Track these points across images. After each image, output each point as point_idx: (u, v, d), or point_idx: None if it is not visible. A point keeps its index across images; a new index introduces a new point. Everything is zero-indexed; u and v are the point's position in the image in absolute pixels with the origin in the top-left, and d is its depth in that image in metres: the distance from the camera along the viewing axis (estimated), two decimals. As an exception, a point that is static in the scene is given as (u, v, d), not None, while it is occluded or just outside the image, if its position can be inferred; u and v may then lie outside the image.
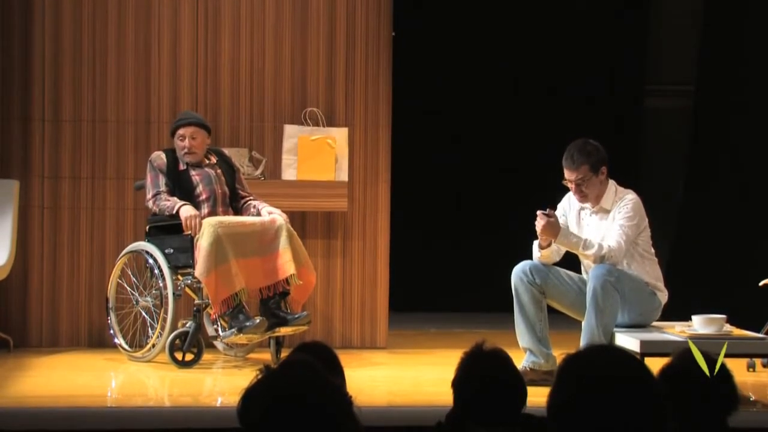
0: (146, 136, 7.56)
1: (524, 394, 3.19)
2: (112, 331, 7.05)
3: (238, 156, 7.49)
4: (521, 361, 5.95)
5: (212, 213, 6.84)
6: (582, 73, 9.67)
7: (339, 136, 7.56)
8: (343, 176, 7.54)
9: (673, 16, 9.95)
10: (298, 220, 7.46)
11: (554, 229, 5.96)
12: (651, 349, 5.42)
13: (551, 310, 6.18)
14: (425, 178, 9.57)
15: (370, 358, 7.22)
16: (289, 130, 7.56)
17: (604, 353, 2.19)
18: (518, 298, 6.06)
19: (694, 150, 9.54)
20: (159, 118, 7.56)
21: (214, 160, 7.06)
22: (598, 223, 6.09)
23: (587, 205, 6.13)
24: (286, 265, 6.62)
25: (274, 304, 6.67)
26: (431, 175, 9.62)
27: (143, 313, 7.01)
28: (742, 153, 9.04)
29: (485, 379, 3.16)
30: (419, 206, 9.49)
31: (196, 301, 6.77)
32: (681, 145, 9.71)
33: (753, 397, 5.85)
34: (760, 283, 6.88)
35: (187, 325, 6.71)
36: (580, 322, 5.99)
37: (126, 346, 6.98)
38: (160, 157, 6.96)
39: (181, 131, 6.95)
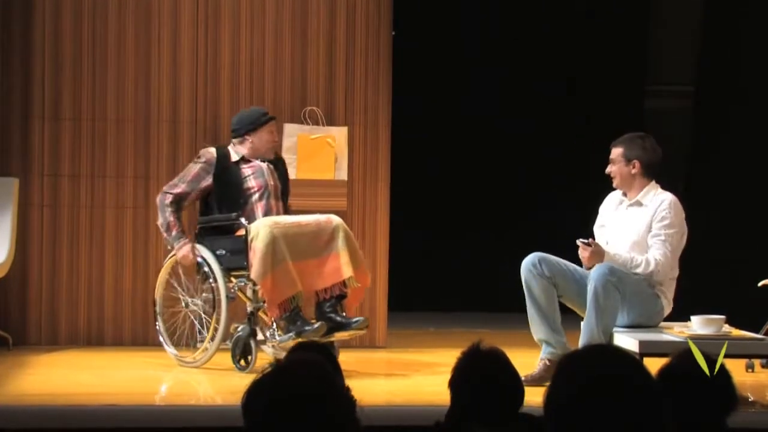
0: (146, 135, 7.55)
1: (522, 394, 3.19)
2: (162, 339, 6.78)
3: (237, 155, 7.48)
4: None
5: (266, 207, 6.60)
6: (582, 73, 9.67)
7: (339, 135, 7.56)
8: (343, 175, 7.53)
9: (672, 17, 9.94)
10: (298, 219, 7.46)
11: (599, 256, 5.98)
12: (650, 349, 5.42)
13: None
14: (425, 177, 9.56)
15: (370, 357, 7.21)
16: (289, 128, 7.56)
17: (602, 352, 2.19)
18: (530, 291, 6.05)
19: (693, 150, 9.54)
20: (159, 116, 7.56)
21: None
22: (634, 215, 6.12)
23: (625, 198, 6.16)
24: (343, 267, 6.40)
25: (329, 307, 6.41)
26: (431, 175, 9.62)
27: (191, 317, 6.77)
28: (742, 153, 9.04)
29: (482, 379, 3.16)
30: (419, 205, 9.48)
31: (250, 305, 6.51)
32: (681, 146, 9.70)
33: (752, 398, 5.85)
34: (760, 284, 6.88)
35: (240, 329, 6.47)
36: (580, 322, 5.99)
37: (176, 353, 6.71)
38: (209, 151, 6.73)
39: (272, 126, 6.76)
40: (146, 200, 7.52)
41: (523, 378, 5.65)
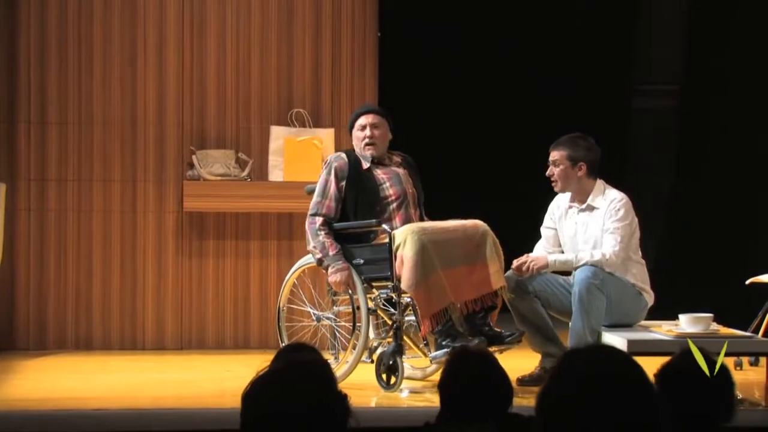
0: (132, 139, 7.55)
1: (510, 394, 3.19)
2: None
3: (224, 158, 7.48)
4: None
5: (405, 216, 6.18)
6: (570, 72, 9.67)
7: (325, 136, 7.56)
8: (330, 177, 7.51)
9: (660, 17, 9.97)
10: (285, 222, 7.46)
11: (542, 260, 6.02)
12: (638, 348, 5.41)
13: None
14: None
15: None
16: (276, 131, 7.56)
17: (598, 352, 2.18)
18: (515, 309, 6.07)
19: (680, 149, 9.56)
20: (145, 120, 7.55)
21: (398, 159, 6.43)
22: (587, 220, 6.10)
23: (575, 203, 6.14)
24: (494, 276, 5.93)
25: (480, 320, 5.91)
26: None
27: (323, 330, 6.41)
28: (728, 152, 9.06)
29: (471, 379, 3.16)
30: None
31: (394, 318, 5.99)
32: (668, 145, 9.73)
33: (740, 396, 5.86)
34: (747, 281, 6.90)
35: (377, 343, 6.09)
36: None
37: None
38: (340, 156, 6.29)
39: (362, 120, 6.30)
40: (133, 204, 7.52)
41: (519, 378, 5.74)
